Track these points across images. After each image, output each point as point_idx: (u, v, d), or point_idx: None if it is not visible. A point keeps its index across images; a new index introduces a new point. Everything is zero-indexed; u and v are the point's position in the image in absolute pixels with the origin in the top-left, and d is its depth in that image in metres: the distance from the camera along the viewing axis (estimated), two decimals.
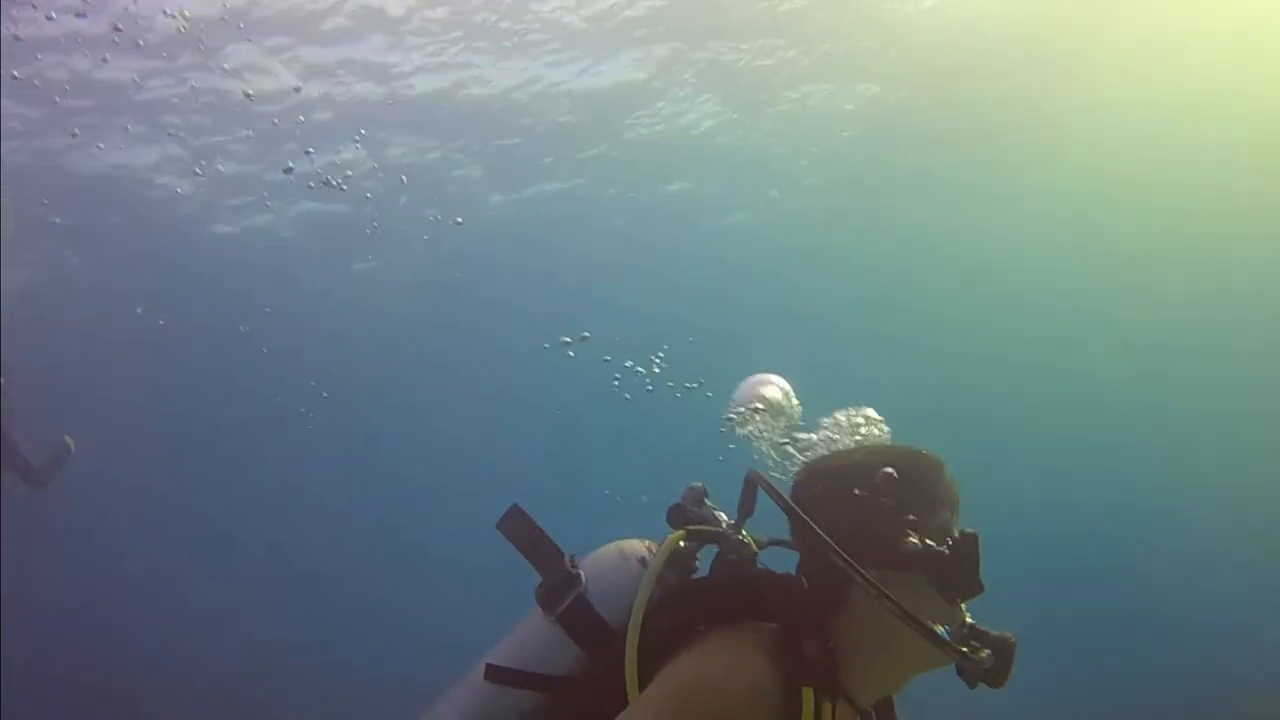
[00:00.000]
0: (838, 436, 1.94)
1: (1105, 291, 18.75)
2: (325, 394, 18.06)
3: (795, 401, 2.04)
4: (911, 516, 1.67)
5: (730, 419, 2.05)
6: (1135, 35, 11.77)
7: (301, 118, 11.61)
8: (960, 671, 1.67)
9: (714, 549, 1.83)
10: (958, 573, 1.65)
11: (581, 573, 1.76)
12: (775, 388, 2.06)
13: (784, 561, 1.82)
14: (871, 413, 1.94)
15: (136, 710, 10.93)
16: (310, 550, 19.40)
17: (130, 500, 18.83)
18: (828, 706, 1.56)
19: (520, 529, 1.82)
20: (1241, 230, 16.67)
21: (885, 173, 14.81)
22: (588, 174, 14.52)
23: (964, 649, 1.62)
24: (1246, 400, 18.97)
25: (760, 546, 1.79)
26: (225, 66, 10.49)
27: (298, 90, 11.05)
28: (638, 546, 1.80)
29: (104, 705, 10.99)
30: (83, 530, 17.31)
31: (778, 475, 1.92)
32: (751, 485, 1.77)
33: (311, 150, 12.20)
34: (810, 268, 17.91)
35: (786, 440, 1.98)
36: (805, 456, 1.93)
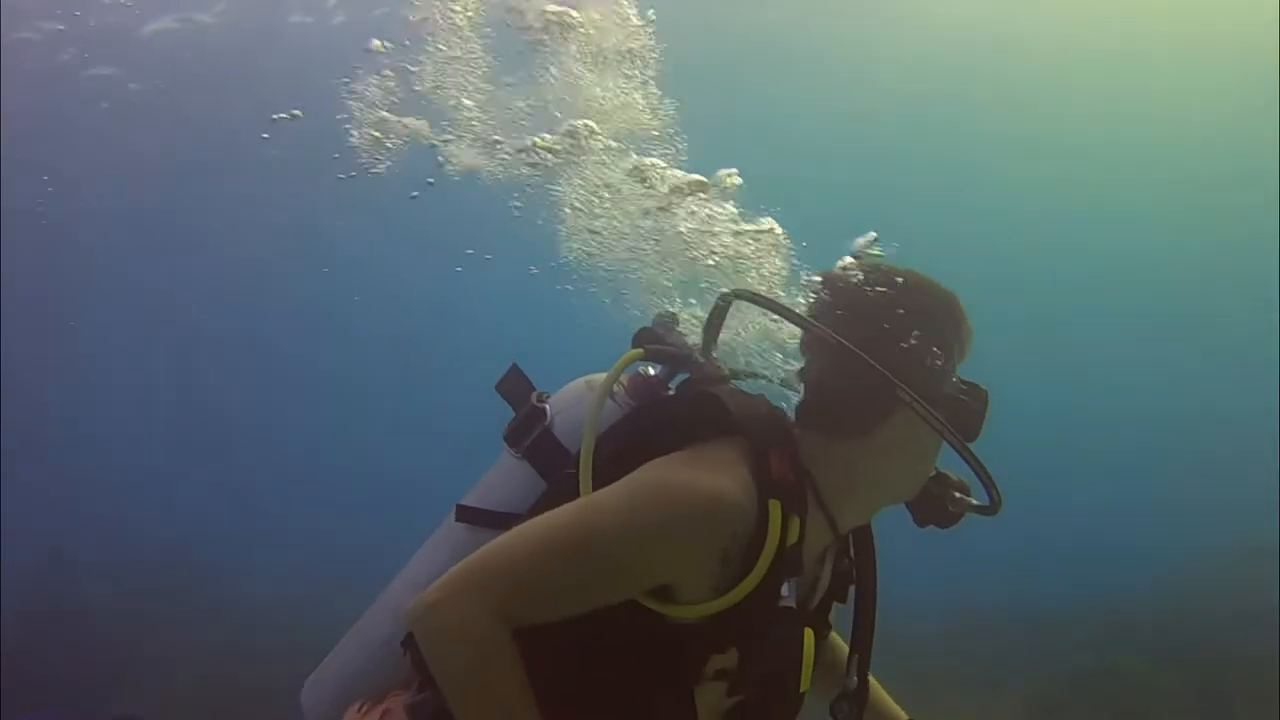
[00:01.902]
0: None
1: None
2: None
3: None
4: (937, 350, 1.61)
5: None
6: None
7: None
8: (919, 507, 1.69)
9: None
10: (968, 419, 1.64)
11: (547, 407, 1.72)
12: None
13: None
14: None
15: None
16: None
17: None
18: (795, 521, 1.52)
19: (511, 382, 1.77)
20: None
21: None
22: None
23: (974, 500, 1.66)
24: None
25: (735, 375, 1.73)
26: None
27: None
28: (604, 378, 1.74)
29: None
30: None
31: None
32: (721, 307, 1.67)
33: None
34: None
35: None
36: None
